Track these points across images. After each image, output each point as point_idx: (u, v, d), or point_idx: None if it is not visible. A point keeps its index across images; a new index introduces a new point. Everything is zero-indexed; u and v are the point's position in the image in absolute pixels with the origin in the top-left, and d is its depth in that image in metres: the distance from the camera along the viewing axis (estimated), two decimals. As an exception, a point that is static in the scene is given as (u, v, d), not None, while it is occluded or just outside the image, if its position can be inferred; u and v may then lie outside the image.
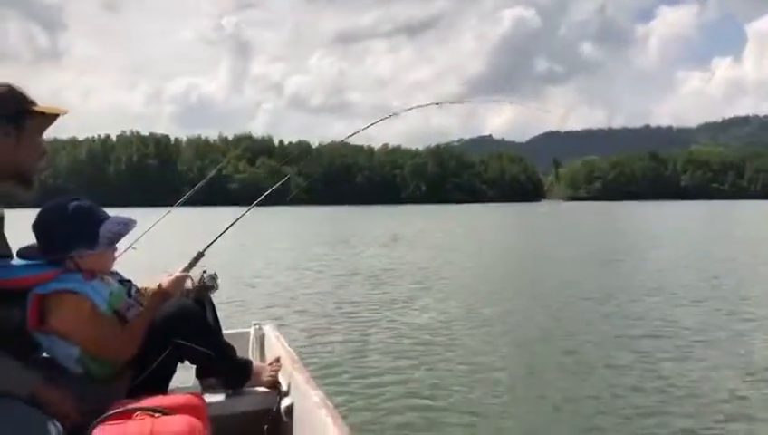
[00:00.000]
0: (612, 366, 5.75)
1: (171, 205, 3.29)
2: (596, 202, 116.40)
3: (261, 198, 3.03)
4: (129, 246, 2.34)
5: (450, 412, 4.65)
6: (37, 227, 2.15)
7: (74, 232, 2.11)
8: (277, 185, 3.10)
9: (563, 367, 5.80)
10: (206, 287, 2.49)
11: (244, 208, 2.94)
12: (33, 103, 2.11)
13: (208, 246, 2.65)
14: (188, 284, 2.43)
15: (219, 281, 2.57)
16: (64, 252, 2.12)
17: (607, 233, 27.71)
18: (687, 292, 10.04)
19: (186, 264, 2.49)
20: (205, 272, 2.52)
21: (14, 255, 2.16)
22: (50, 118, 2.17)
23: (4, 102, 2.05)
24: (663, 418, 4.48)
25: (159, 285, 2.31)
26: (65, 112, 2.18)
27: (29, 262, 2.10)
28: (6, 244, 2.18)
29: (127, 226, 2.21)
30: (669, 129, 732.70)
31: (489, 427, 4.41)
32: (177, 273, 2.39)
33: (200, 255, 2.58)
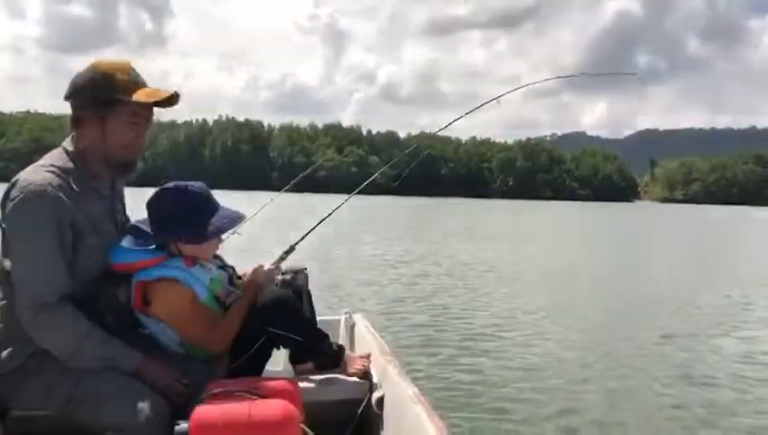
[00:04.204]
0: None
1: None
2: (693, 205, 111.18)
3: (357, 190, 3.01)
4: (233, 231, 2.40)
5: (546, 409, 4.61)
6: (151, 207, 2.20)
7: (185, 221, 2.15)
8: (376, 174, 3.11)
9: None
10: (294, 283, 2.50)
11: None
12: (124, 91, 2.04)
13: (300, 240, 2.65)
14: (278, 277, 2.45)
15: (308, 285, 2.55)
16: (171, 236, 2.18)
17: (698, 238, 26.34)
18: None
19: (276, 257, 2.52)
20: (297, 269, 2.53)
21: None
22: (148, 104, 2.10)
23: (87, 93, 2.04)
24: None
25: (251, 278, 2.35)
26: (161, 97, 2.08)
27: (137, 246, 2.16)
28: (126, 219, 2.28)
29: (234, 222, 2.23)
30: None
31: (587, 425, 4.39)
32: (269, 266, 2.43)
33: (291, 249, 2.59)
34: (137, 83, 2.09)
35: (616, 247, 20.67)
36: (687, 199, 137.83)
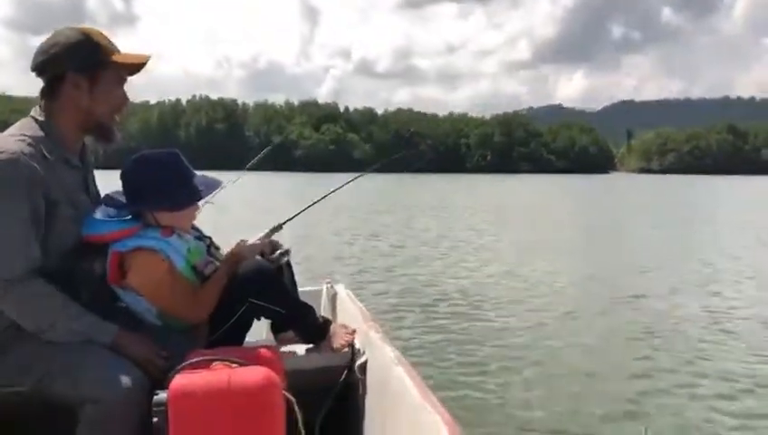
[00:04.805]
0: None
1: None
2: (668, 175, 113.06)
3: (351, 179, 3.00)
4: (206, 201, 2.34)
5: (516, 364, 4.82)
6: (126, 177, 2.15)
7: (161, 189, 2.11)
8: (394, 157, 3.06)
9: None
10: (276, 260, 2.46)
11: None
12: (109, 53, 2.04)
13: (288, 220, 2.62)
14: (259, 253, 2.41)
15: (290, 259, 2.53)
16: (147, 206, 2.13)
17: (669, 208, 26.77)
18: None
19: (261, 233, 2.49)
20: (282, 249, 2.49)
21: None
22: (132, 67, 2.10)
23: (76, 52, 1.98)
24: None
25: (233, 250, 2.31)
26: (145, 59, 2.10)
27: (111, 217, 2.11)
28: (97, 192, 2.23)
29: (210, 188, 2.21)
30: (752, 100, 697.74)
31: (555, 377, 4.56)
32: (253, 241, 2.39)
33: (278, 227, 2.56)
34: (114, 47, 2.07)
35: (588, 217, 20.98)
36: (663, 170, 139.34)
